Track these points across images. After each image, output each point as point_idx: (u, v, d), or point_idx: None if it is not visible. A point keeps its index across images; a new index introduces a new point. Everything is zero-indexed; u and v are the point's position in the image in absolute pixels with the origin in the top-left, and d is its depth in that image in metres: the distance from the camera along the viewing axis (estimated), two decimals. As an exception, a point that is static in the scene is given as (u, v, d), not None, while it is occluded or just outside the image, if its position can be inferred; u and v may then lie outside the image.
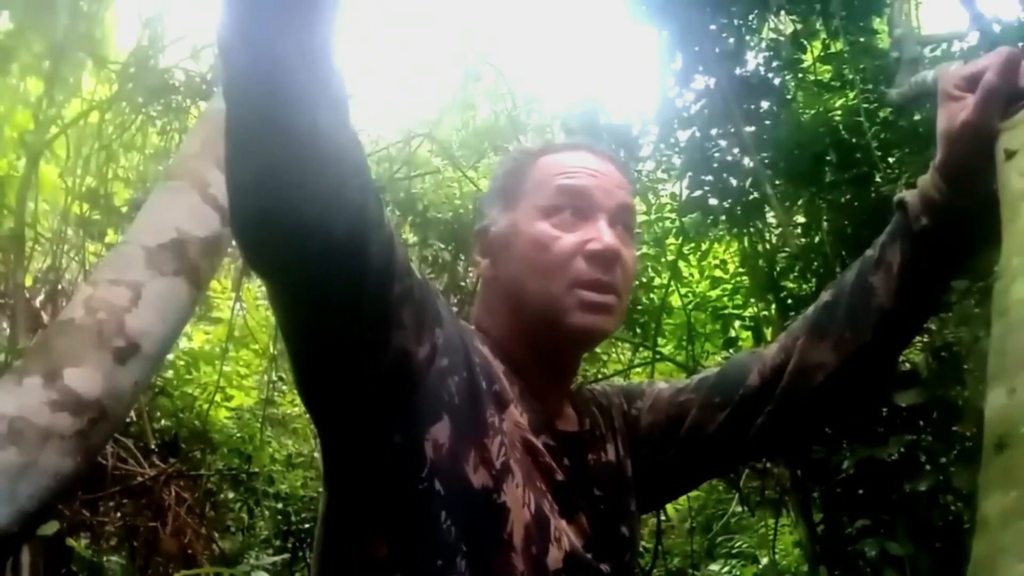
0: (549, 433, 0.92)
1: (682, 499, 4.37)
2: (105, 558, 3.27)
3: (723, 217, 3.27)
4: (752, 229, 3.34)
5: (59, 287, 3.46)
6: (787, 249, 3.21)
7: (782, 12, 3.10)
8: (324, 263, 0.69)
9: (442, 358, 0.83)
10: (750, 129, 3.06)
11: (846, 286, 0.97)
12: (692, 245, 3.75)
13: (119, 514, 3.55)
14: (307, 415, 0.94)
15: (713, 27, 3.10)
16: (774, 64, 3.17)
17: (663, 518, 4.19)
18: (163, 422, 4.06)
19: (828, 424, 2.61)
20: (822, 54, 3.16)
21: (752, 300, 3.63)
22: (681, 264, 3.86)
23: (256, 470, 4.34)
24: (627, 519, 0.98)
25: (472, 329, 0.95)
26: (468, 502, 0.80)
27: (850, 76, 2.95)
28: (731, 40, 3.13)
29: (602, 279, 0.90)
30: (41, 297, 3.44)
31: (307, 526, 4.43)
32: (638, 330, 3.81)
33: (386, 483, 0.81)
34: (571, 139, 1.06)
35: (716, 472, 1.31)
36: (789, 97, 3.18)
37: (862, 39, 2.94)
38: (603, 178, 0.95)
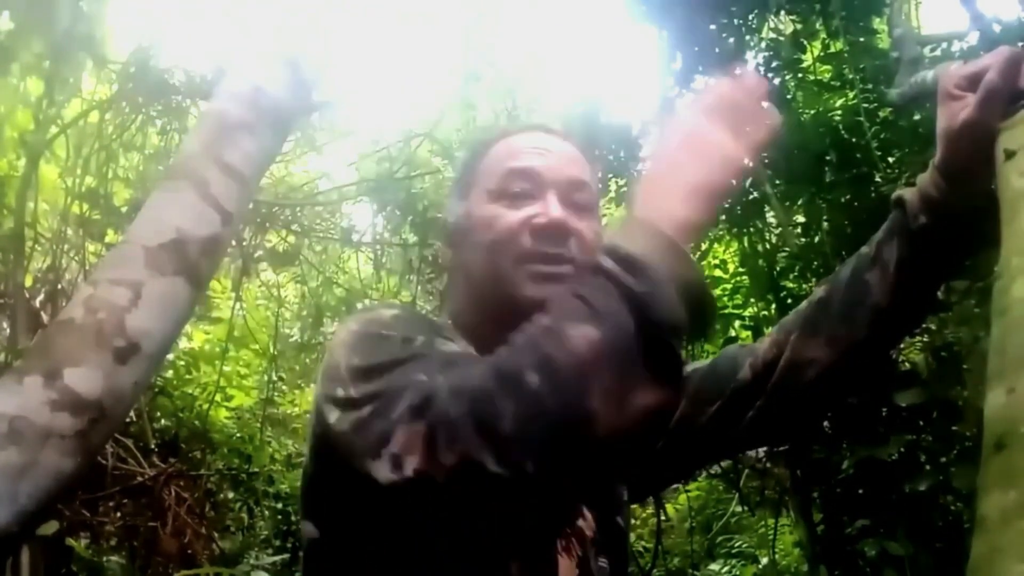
0: None
1: (682, 499, 4.38)
2: (105, 558, 3.27)
3: (723, 217, 3.27)
4: (752, 229, 3.34)
5: (59, 287, 3.45)
6: (787, 249, 3.20)
7: (782, 12, 3.09)
8: None
9: None
10: (750, 129, 3.05)
11: (841, 282, 0.97)
12: (692, 245, 3.74)
13: (119, 514, 3.54)
14: (307, 415, 0.93)
15: (713, 27, 3.10)
16: (774, 64, 3.16)
17: (663, 518, 4.18)
18: (163, 422, 4.06)
19: (819, 419, 2.61)
20: (822, 54, 3.16)
21: (752, 300, 3.63)
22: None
23: (256, 470, 4.34)
24: (621, 509, 0.98)
25: (449, 324, 0.96)
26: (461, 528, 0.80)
27: (850, 76, 2.95)
28: (731, 40, 3.13)
29: (550, 252, 0.90)
30: (41, 297, 3.43)
31: (307, 526, 4.41)
32: (638, 330, 3.80)
33: (376, 516, 0.80)
34: (526, 123, 1.05)
35: (705, 464, 1.32)
36: (789, 97, 3.17)
37: (862, 39, 2.94)
38: (553, 155, 0.96)
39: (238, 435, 4.49)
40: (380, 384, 0.74)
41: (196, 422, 4.11)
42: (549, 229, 0.90)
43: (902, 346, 2.72)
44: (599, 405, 0.64)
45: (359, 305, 5.23)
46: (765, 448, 3.25)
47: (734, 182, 0.77)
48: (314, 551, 0.90)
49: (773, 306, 3.20)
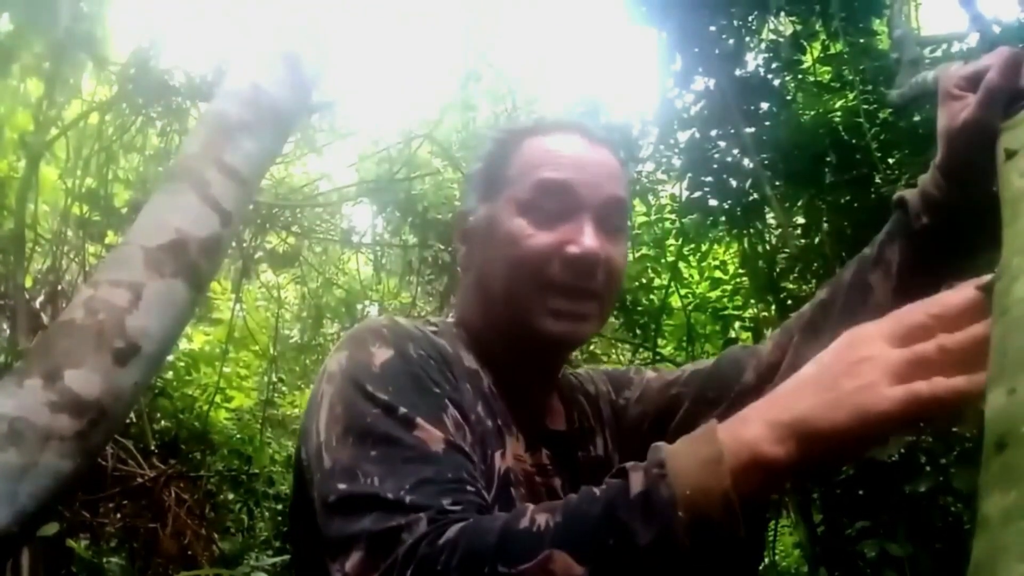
0: (543, 441, 0.91)
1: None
2: (105, 559, 3.27)
3: (723, 218, 3.27)
4: (752, 230, 3.34)
5: (59, 288, 3.46)
6: (787, 250, 3.20)
7: (782, 13, 3.09)
8: None
9: (465, 436, 0.79)
10: (750, 130, 3.06)
11: (843, 284, 0.97)
12: (692, 246, 3.75)
13: (119, 515, 3.54)
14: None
15: (713, 28, 3.10)
16: (774, 65, 3.17)
17: None
18: (163, 423, 4.06)
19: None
20: (822, 55, 3.16)
21: (752, 301, 3.63)
22: (681, 265, 3.85)
23: (256, 471, 4.33)
24: None
25: (454, 332, 0.92)
26: None
27: (850, 77, 2.95)
28: (731, 41, 3.13)
29: (578, 285, 0.86)
30: (41, 298, 3.43)
31: (307, 527, 4.41)
32: (638, 331, 3.81)
33: None
34: (562, 119, 0.97)
35: None
36: (789, 98, 3.17)
37: (862, 40, 2.94)
38: (591, 169, 0.89)
39: (238, 436, 4.49)
40: (350, 455, 0.72)
41: (196, 423, 4.11)
42: (582, 261, 0.84)
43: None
44: None
45: (359, 306, 5.23)
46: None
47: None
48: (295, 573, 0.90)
49: (773, 307, 3.20)
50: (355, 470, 0.71)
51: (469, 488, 0.71)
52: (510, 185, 0.91)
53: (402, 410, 0.74)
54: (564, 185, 0.87)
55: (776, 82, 3.17)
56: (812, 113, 3.08)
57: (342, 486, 0.70)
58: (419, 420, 0.73)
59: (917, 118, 2.62)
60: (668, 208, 3.77)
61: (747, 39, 3.18)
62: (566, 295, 0.86)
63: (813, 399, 0.59)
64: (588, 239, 0.85)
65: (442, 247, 4.41)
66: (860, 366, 0.58)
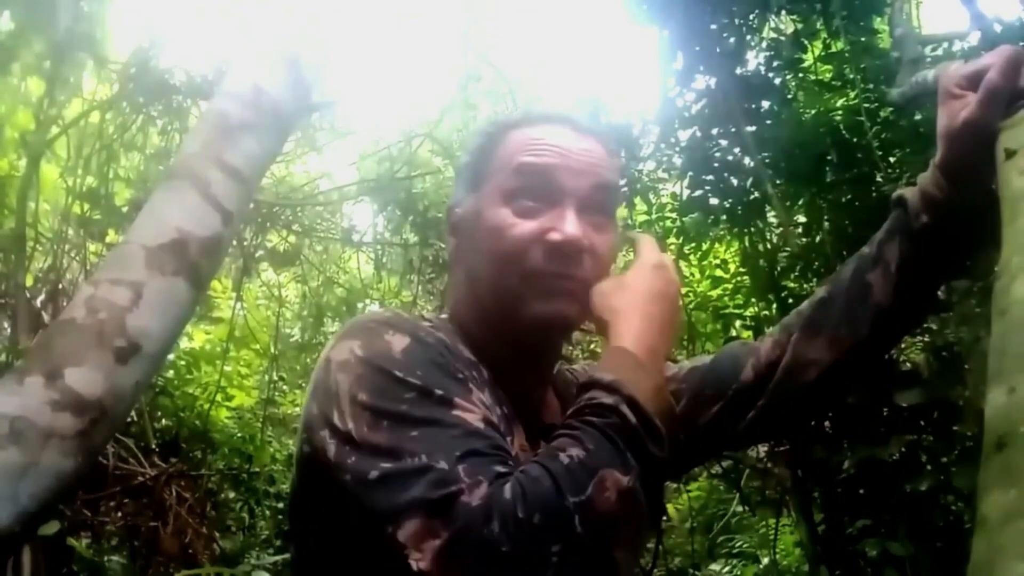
0: (541, 434, 0.90)
1: (683, 499, 4.38)
2: (106, 558, 3.27)
3: (724, 217, 3.27)
4: (753, 229, 3.34)
5: (60, 287, 3.45)
6: (788, 249, 3.20)
7: (783, 12, 3.09)
8: None
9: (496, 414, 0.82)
10: (751, 129, 3.05)
11: (842, 283, 0.97)
12: (693, 245, 3.74)
13: (120, 514, 3.54)
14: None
15: (714, 27, 3.10)
16: (775, 64, 3.16)
17: (664, 518, 4.18)
18: (164, 422, 4.07)
19: (820, 418, 2.62)
20: (823, 54, 3.16)
21: (753, 300, 3.62)
22: (682, 264, 3.85)
23: (257, 470, 4.34)
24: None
25: (449, 327, 0.91)
26: None
27: (851, 76, 2.95)
28: (732, 40, 3.12)
29: (561, 273, 0.85)
30: (42, 297, 3.43)
31: (308, 526, 4.41)
32: (639, 330, 3.80)
33: (357, 550, 0.77)
34: (549, 111, 0.96)
35: (700, 461, 1.33)
36: (790, 97, 3.17)
37: (863, 39, 2.93)
38: (575, 156, 0.88)
39: (239, 435, 4.50)
40: (389, 439, 0.71)
41: (197, 422, 4.11)
42: (564, 248, 0.84)
43: (903, 346, 2.72)
44: (621, 547, 0.69)
45: (360, 305, 5.23)
46: (766, 448, 3.25)
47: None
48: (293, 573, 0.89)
49: (774, 306, 3.20)
50: (398, 450, 0.70)
51: (512, 462, 0.72)
52: (494, 175, 0.90)
53: (438, 392, 0.74)
54: (544, 170, 0.87)
55: (777, 81, 3.16)
56: (813, 112, 3.07)
57: (386, 464, 0.70)
58: (456, 399, 0.74)
59: (918, 117, 2.62)
60: (669, 207, 3.76)
61: (748, 38, 3.17)
62: (551, 279, 0.86)
63: (662, 338, 0.83)
64: (570, 226, 0.84)
65: (443, 246, 4.41)
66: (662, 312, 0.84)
